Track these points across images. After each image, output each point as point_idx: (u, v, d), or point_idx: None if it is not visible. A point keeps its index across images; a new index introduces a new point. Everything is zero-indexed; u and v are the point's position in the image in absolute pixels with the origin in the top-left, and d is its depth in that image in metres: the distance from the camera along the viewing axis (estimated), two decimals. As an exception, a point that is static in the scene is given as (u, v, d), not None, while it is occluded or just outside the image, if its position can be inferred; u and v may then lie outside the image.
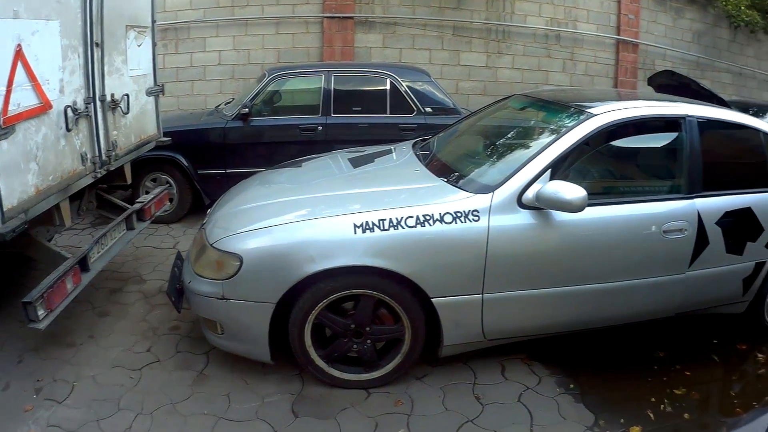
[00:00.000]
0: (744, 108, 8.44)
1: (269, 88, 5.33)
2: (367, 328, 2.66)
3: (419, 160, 3.27)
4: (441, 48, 8.68)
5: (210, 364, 2.91)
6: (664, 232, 2.89)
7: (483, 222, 2.60)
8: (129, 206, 3.65)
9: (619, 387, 2.91)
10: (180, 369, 2.88)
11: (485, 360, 2.98)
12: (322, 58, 8.17)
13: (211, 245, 2.69)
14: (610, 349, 3.24)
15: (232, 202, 3.08)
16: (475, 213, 2.61)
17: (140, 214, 3.66)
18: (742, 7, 10.38)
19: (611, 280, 2.85)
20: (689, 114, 3.08)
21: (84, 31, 3.04)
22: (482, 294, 2.65)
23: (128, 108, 3.53)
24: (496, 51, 8.95)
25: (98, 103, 3.24)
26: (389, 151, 3.63)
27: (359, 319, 2.64)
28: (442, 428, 2.52)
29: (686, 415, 2.73)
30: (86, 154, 3.14)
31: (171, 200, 4.97)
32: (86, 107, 3.11)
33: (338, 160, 3.56)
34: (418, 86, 5.51)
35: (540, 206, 2.64)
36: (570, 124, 2.88)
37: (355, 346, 2.69)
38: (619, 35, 9.72)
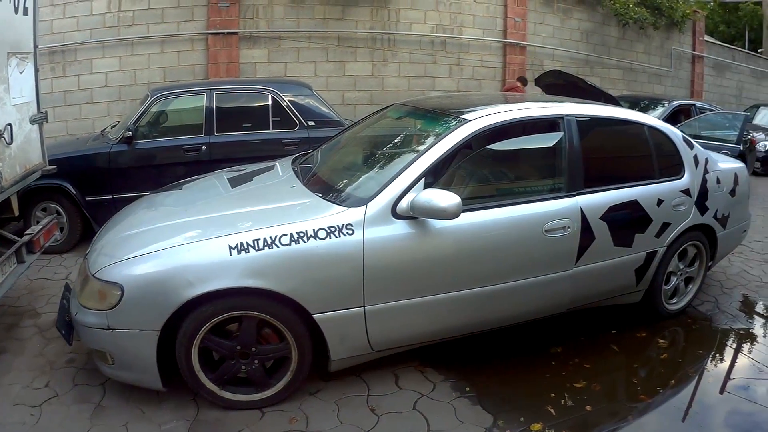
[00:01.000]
0: (635, 101, 8.68)
1: (152, 110, 5.23)
2: (253, 349, 2.65)
3: (297, 176, 3.27)
4: (326, 60, 8.71)
5: (107, 395, 2.87)
6: (546, 231, 2.95)
7: (358, 235, 2.62)
8: (19, 239, 3.57)
9: (517, 386, 2.95)
10: (78, 402, 2.83)
11: (378, 371, 2.99)
12: (207, 75, 8.11)
13: (92, 275, 2.66)
14: (507, 349, 3.28)
15: (116, 228, 3.05)
16: (349, 227, 2.63)
17: (30, 246, 3.55)
18: (631, 5, 10.72)
19: (496, 282, 2.90)
20: (568, 113, 3.15)
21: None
22: (364, 306, 2.67)
23: (12, 138, 3.42)
24: (381, 59, 9.03)
25: (-20, 135, 3.14)
26: (269, 169, 3.61)
27: (243, 340, 2.63)
28: (337, 442, 2.53)
29: (588, 407, 2.79)
30: (-29, 188, 3.07)
31: (62, 229, 4.83)
32: (-32, 140, 3.02)
33: (218, 180, 3.52)
34: (301, 100, 5.51)
35: (415, 215, 2.68)
36: (444, 132, 2.92)
37: (243, 367, 2.68)
38: (506, 38, 9.91)
